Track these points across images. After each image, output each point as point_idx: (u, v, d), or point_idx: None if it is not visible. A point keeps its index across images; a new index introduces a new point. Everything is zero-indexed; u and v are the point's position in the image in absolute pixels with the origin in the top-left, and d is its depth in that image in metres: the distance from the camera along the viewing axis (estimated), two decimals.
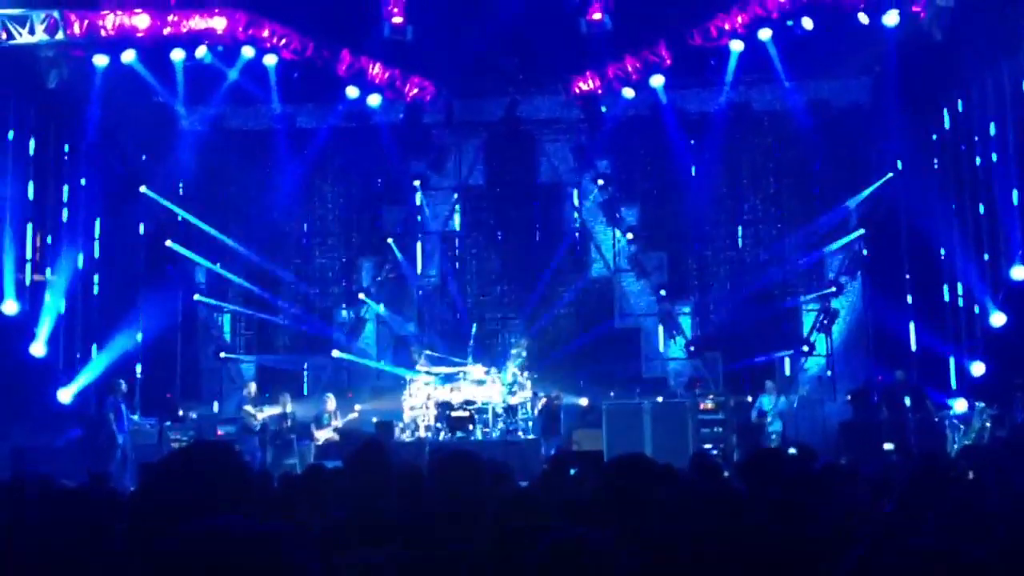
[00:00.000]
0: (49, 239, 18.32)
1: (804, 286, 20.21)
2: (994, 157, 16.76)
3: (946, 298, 18.22)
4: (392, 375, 19.23)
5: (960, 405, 16.57)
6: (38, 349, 17.25)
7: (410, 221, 20.84)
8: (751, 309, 19.72)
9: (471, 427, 16.98)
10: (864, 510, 4.91)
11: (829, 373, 19.72)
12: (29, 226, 17.87)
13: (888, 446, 15.87)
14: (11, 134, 17.16)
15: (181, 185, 20.28)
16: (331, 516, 5.00)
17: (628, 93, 18.84)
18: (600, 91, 18.90)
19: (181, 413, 18.80)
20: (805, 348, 19.66)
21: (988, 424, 15.23)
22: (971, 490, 5.13)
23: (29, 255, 17.83)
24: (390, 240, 20.44)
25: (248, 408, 17.60)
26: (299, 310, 20.73)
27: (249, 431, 17.35)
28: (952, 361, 17.75)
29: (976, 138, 17.53)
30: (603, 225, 20.79)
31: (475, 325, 18.92)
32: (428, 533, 4.20)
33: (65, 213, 18.53)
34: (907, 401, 16.72)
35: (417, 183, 20.49)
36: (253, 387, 18.38)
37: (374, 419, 17.94)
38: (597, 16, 17.43)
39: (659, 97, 19.04)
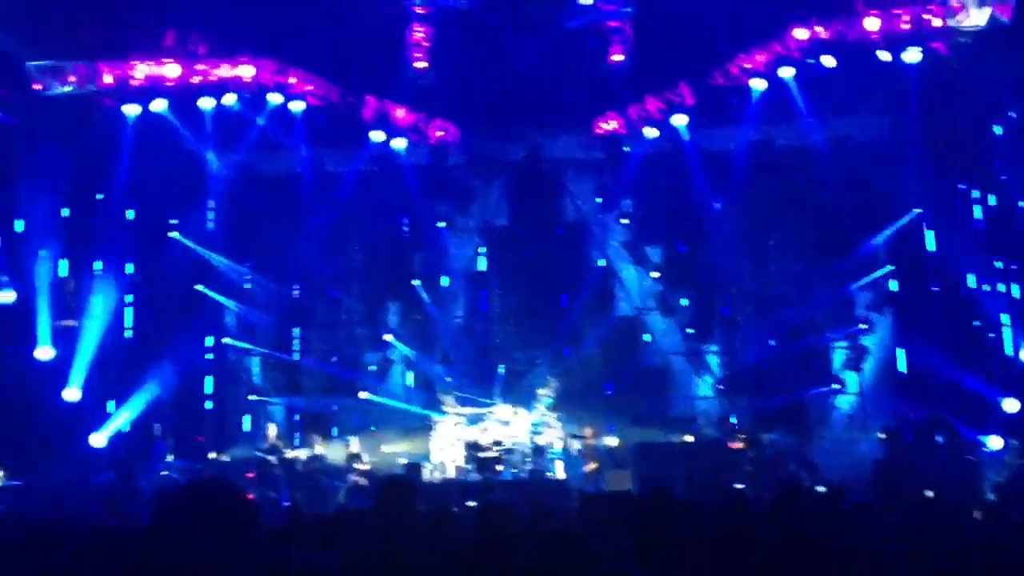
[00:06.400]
0: (82, 285, 18.58)
1: (832, 323, 20.07)
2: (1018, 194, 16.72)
3: (977, 334, 18.05)
4: (420, 416, 19.25)
5: (995, 442, 16.36)
6: (72, 394, 17.45)
7: (436, 262, 20.94)
8: (779, 347, 19.63)
9: (499, 467, 16.95)
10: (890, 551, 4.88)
11: (860, 411, 19.53)
12: (63, 271, 18.17)
13: (929, 493, 15.65)
14: (46, 182, 17.51)
15: (211, 230, 20.49)
16: (359, 554, 5.03)
17: (650, 132, 18.97)
18: (622, 131, 19.04)
19: (212, 456, 18.88)
20: (835, 386, 19.52)
21: (1022, 461, 15.03)
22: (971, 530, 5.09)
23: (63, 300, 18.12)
24: (416, 282, 20.54)
25: (258, 453, 17.68)
26: (327, 352, 20.82)
27: (268, 474, 17.44)
28: (985, 398, 17.53)
29: (1000, 174, 17.48)
30: (628, 264, 20.81)
31: (502, 365, 18.92)
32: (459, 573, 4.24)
33: (99, 260, 18.81)
34: (939, 439, 16.51)
35: (442, 224, 20.62)
36: (273, 429, 18.37)
37: (402, 460, 17.94)
38: (618, 58, 17.62)
39: (681, 136, 19.15)
